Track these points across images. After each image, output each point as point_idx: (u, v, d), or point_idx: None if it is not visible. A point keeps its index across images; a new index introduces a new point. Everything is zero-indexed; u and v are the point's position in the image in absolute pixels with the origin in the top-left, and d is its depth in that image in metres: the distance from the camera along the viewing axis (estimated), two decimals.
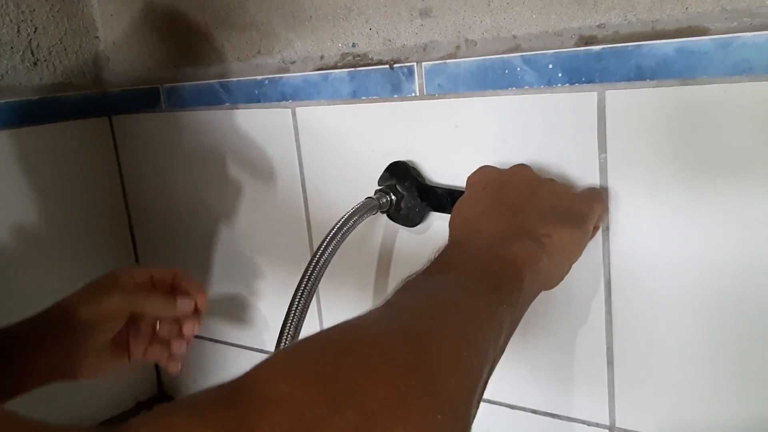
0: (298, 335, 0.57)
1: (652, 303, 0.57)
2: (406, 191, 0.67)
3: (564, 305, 0.61)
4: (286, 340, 0.57)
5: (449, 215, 0.57)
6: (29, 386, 0.62)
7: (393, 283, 0.72)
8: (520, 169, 0.57)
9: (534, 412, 0.66)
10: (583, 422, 0.63)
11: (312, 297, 0.59)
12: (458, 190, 0.63)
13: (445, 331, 0.39)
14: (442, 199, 0.65)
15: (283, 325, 0.57)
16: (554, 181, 0.56)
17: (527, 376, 0.65)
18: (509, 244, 0.48)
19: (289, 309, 0.58)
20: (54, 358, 0.63)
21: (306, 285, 0.58)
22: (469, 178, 0.58)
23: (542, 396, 0.65)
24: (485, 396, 0.69)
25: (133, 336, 0.69)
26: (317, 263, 0.59)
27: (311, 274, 0.58)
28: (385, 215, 0.68)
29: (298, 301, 0.57)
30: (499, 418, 0.68)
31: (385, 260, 0.72)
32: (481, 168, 0.59)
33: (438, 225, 0.67)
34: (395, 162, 0.67)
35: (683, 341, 0.56)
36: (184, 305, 0.67)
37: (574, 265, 0.59)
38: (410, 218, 0.68)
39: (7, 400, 0.60)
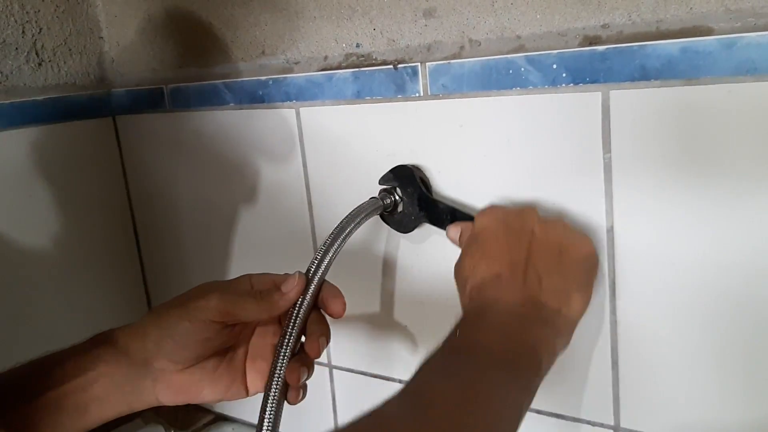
0: (300, 335, 0.57)
1: (656, 303, 0.57)
2: (407, 197, 0.66)
3: None
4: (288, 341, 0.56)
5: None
6: (107, 411, 0.56)
7: (399, 284, 0.72)
8: (529, 214, 0.57)
9: (538, 412, 0.66)
10: (588, 422, 0.63)
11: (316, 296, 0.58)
12: (460, 210, 0.64)
13: (474, 422, 0.42)
14: (442, 214, 0.65)
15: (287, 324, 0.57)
16: (563, 226, 0.57)
17: None
18: (527, 328, 0.50)
19: (290, 312, 0.57)
20: (126, 377, 0.55)
21: (309, 283, 0.57)
22: (478, 218, 0.58)
23: (547, 396, 0.65)
24: None
25: (251, 359, 0.60)
26: (321, 262, 0.57)
27: (314, 272, 0.57)
28: None
29: (301, 302, 0.57)
30: None
31: (390, 260, 0.72)
32: (491, 209, 0.59)
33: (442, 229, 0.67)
34: (401, 165, 0.67)
35: (688, 341, 0.56)
36: (289, 287, 0.56)
37: None
38: (403, 224, 0.67)
39: None
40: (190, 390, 0.58)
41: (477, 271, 0.55)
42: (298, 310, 0.56)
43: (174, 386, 0.57)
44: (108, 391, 0.55)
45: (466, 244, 0.58)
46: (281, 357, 0.55)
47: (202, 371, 0.58)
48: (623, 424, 0.61)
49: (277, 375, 0.54)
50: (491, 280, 0.54)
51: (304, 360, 0.56)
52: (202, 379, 0.58)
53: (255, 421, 0.92)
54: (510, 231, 0.56)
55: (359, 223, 0.61)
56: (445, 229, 0.64)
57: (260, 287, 0.58)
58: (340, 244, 0.59)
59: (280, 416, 0.54)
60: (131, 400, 0.57)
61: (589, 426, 0.63)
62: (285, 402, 0.56)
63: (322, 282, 0.57)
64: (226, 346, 0.59)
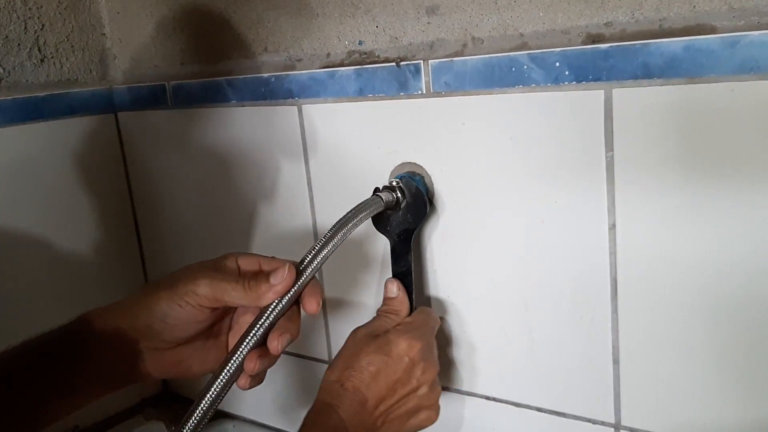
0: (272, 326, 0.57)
1: (658, 301, 0.57)
2: (402, 215, 0.66)
3: (570, 303, 0.61)
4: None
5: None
6: (99, 389, 0.57)
7: None
8: (430, 371, 0.61)
9: (539, 410, 0.66)
10: (589, 420, 0.63)
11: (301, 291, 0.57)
12: (411, 282, 0.65)
13: None
14: (402, 262, 0.66)
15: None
16: (437, 396, 0.62)
17: (532, 373, 0.65)
18: None
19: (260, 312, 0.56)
20: (117, 354, 0.56)
21: (299, 277, 0.57)
22: (401, 339, 0.60)
23: (547, 394, 0.65)
24: (490, 394, 0.69)
25: (233, 337, 0.61)
26: (315, 257, 0.57)
27: (306, 267, 0.57)
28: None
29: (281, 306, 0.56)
30: (503, 416, 0.68)
31: (387, 256, 0.72)
32: (417, 339, 0.61)
33: (445, 223, 0.67)
34: (421, 192, 0.65)
35: (689, 340, 0.56)
36: (277, 280, 0.55)
37: (581, 264, 0.60)
38: (378, 221, 0.68)
39: (74, 410, 0.56)
40: (179, 366, 0.59)
41: (361, 376, 0.58)
42: (278, 303, 0.56)
43: (164, 363, 0.59)
44: (100, 370, 0.56)
45: (378, 344, 0.60)
46: (244, 344, 0.55)
47: (191, 348, 0.59)
48: (624, 422, 0.61)
49: (234, 359, 0.54)
50: (357, 400, 0.57)
51: (265, 351, 0.56)
52: (191, 355, 0.59)
53: (257, 418, 0.93)
54: (407, 375, 0.59)
55: (360, 221, 0.61)
56: (393, 268, 0.67)
57: (247, 269, 0.59)
58: (339, 240, 0.59)
59: (223, 397, 0.54)
60: (123, 377, 0.58)
61: (590, 424, 0.63)
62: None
63: (312, 278, 0.58)
64: (212, 325, 0.60)
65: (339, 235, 0.59)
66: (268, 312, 0.55)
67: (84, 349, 0.56)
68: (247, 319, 0.60)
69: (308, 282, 0.57)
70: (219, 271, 0.58)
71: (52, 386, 0.55)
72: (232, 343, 0.61)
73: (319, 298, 0.57)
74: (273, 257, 0.59)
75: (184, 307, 0.56)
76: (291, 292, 0.56)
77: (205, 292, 0.55)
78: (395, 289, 0.65)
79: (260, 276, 0.56)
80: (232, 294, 0.55)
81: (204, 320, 0.58)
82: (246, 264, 0.59)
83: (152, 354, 0.58)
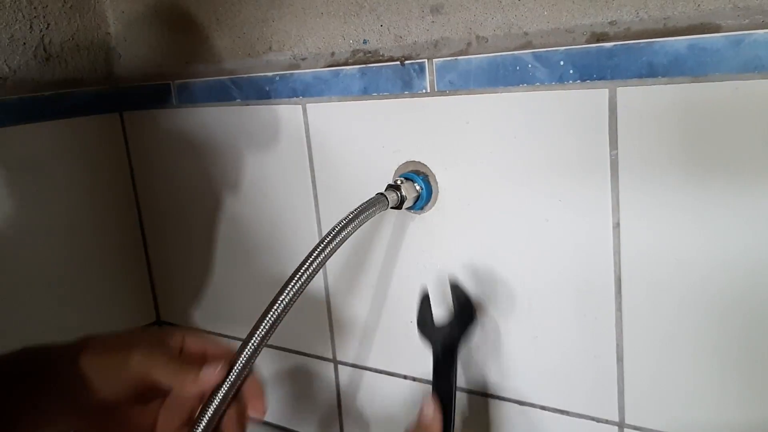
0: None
1: (661, 300, 0.57)
2: (448, 330, 0.64)
3: (574, 301, 0.62)
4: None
5: None
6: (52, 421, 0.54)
7: (404, 280, 0.72)
8: None
9: (543, 408, 0.66)
10: (593, 419, 0.63)
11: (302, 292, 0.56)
12: (449, 403, 0.63)
13: None
14: (441, 378, 0.63)
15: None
16: None
17: (536, 372, 0.66)
18: None
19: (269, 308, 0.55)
20: (34, 411, 0.53)
21: (299, 280, 0.56)
22: None
23: (551, 392, 0.65)
24: (494, 392, 0.69)
25: (164, 412, 0.57)
26: (319, 255, 0.57)
27: (309, 264, 0.56)
28: (394, 211, 0.68)
29: (284, 299, 0.55)
30: (507, 415, 0.68)
31: (394, 255, 0.73)
32: None
33: (444, 217, 0.68)
34: (470, 305, 0.64)
35: (693, 338, 0.56)
36: (207, 374, 0.52)
37: (585, 263, 0.60)
38: (425, 333, 0.66)
39: None
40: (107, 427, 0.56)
41: None
42: (212, 400, 0.53)
43: (85, 424, 0.55)
44: (36, 420, 0.53)
45: None
46: None
47: (115, 412, 0.55)
48: (628, 421, 0.61)
49: None
50: None
51: None
52: (113, 419, 0.55)
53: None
54: None
55: (362, 222, 0.60)
56: (433, 381, 0.64)
57: (191, 349, 0.56)
58: (340, 241, 0.58)
59: None
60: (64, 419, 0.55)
61: (594, 422, 0.63)
62: None
63: (248, 374, 0.54)
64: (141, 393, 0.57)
65: (340, 236, 0.58)
66: (206, 414, 0.52)
67: (28, 400, 0.53)
68: (181, 398, 0.56)
69: (246, 377, 0.54)
70: (159, 346, 0.55)
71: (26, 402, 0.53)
72: (162, 421, 0.57)
73: (263, 401, 0.54)
74: (220, 344, 0.56)
75: (110, 377, 0.53)
76: (225, 387, 0.53)
77: (137, 366, 0.53)
78: (431, 412, 0.61)
79: (196, 362, 0.53)
80: (160, 377, 0.53)
81: (132, 388, 0.54)
82: (192, 344, 0.56)
83: (76, 411, 0.54)
